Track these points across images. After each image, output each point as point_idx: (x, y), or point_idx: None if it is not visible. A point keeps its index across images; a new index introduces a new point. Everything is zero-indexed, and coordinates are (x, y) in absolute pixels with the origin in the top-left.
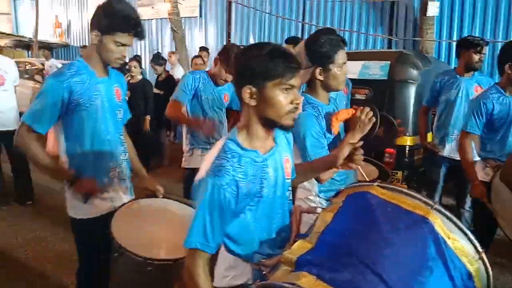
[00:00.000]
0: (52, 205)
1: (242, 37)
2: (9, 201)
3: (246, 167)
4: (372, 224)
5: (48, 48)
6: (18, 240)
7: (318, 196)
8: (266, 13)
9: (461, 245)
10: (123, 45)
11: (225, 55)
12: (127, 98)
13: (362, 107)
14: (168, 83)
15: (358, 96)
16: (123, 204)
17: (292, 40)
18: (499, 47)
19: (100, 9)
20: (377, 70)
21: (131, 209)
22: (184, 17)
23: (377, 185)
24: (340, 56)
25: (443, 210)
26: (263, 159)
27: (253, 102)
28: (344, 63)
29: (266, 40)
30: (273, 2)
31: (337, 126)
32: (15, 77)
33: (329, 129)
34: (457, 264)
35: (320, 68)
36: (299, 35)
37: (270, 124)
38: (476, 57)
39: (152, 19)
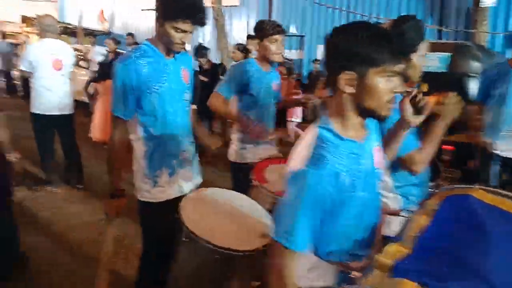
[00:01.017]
0: (103, 190)
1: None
2: (60, 184)
3: (344, 158)
4: (479, 229)
5: (93, 35)
6: (74, 221)
7: (393, 192)
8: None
9: None
10: (183, 31)
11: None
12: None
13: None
14: (213, 71)
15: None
16: (191, 191)
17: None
18: None
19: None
20: (435, 62)
21: (199, 196)
22: (225, 6)
23: (480, 188)
24: (423, 48)
25: None
26: (359, 149)
27: (350, 90)
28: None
29: (307, 30)
30: None
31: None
32: (72, 63)
33: None
34: None
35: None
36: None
37: (367, 114)
38: None
39: None
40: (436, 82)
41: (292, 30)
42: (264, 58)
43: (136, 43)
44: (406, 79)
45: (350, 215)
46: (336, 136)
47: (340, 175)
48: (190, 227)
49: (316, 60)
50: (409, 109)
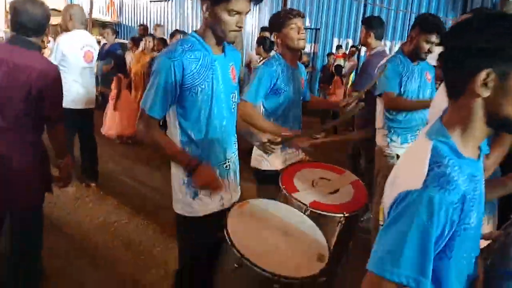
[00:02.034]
0: (117, 190)
1: None
2: (74, 181)
3: (466, 180)
4: None
5: (103, 26)
6: (88, 223)
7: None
8: None
9: None
10: (238, 13)
11: None
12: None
13: None
14: None
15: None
16: (233, 204)
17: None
18: None
19: None
20: None
21: (243, 211)
22: None
23: None
24: None
25: None
26: (478, 170)
27: (485, 93)
28: None
29: (323, 23)
30: None
31: None
32: (96, 55)
33: None
34: None
35: None
36: (360, 16)
37: (501, 124)
38: None
39: None
40: None
41: (307, 23)
42: (288, 48)
43: (151, 35)
44: None
45: (465, 249)
46: (456, 152)
47: (466, 199)
48: (243, 252)
49: (331, 53)
50: None
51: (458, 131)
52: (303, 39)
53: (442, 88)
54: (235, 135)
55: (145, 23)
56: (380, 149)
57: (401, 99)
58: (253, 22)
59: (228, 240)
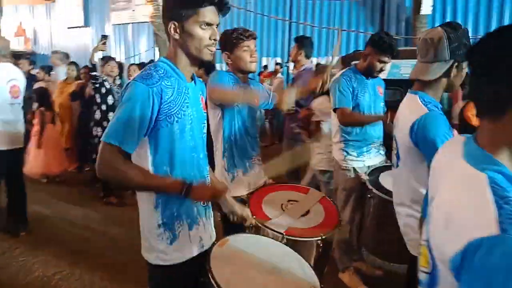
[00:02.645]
0: (52, 237)
1: None
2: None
3: None
4: None
5: (17, 57)
6: (22, 279)
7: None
8: (252, 12)
9: None
10: (210, 24)
11: None
12: None
13: None
14: None
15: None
16: (213, 244)
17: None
18: None
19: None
20: (408, 69)
21: (224, 249)
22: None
23: None
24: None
25: None
26: None
27: None
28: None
29: None
30: (258, 0)
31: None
32: (24, 88)
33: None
34: None
35: (456, 64)
36: (286, 35)
37: None
38: None
39: (128, 24)
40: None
41: None
42: (239, 70)
43: (73, 63)
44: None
45: None
46: (509, 179)
47: None
48: None
49: (260, 73)
50: None
51: (506, 155)
52: (255, 62)
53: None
54: (208, 167)
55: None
56: (337, 163)
57: (355, 115)
58: None
59: (215, 285)
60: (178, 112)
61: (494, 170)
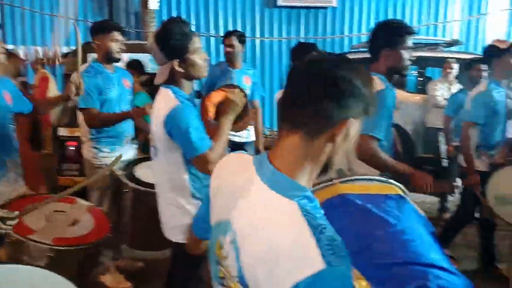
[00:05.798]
0: None
1: None
2: None
3: None
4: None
5: None
6: None
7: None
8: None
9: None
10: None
11: None
12: None
13: (232, 88)
14: None
15: None
16: None
17: None
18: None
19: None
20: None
21: None
22: None
23: (339, 182)
24: (196, 42)
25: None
26: None
27: None
28: (200, 48)
29: None
30: None
31: (213, 110)
32: None
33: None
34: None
35: (178, 60)
36: None
37: None
38: None
39: None
40: None
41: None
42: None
43: None
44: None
45: None
46: None
47: None
48: None
49: None
50: None
51: (306, 175)
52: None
53: None
54: None
55: None
56: (89, 162)
57: (101, 116)
58: None
59: None
60: None
61: (301, 197)
